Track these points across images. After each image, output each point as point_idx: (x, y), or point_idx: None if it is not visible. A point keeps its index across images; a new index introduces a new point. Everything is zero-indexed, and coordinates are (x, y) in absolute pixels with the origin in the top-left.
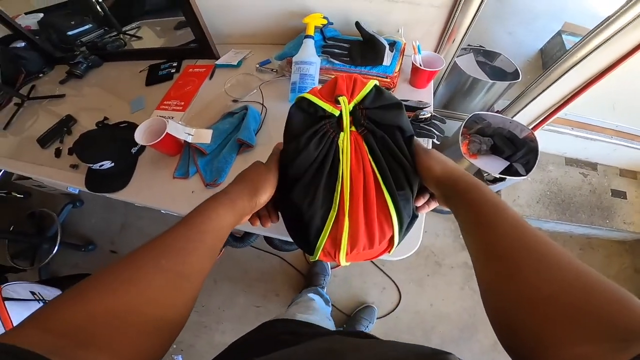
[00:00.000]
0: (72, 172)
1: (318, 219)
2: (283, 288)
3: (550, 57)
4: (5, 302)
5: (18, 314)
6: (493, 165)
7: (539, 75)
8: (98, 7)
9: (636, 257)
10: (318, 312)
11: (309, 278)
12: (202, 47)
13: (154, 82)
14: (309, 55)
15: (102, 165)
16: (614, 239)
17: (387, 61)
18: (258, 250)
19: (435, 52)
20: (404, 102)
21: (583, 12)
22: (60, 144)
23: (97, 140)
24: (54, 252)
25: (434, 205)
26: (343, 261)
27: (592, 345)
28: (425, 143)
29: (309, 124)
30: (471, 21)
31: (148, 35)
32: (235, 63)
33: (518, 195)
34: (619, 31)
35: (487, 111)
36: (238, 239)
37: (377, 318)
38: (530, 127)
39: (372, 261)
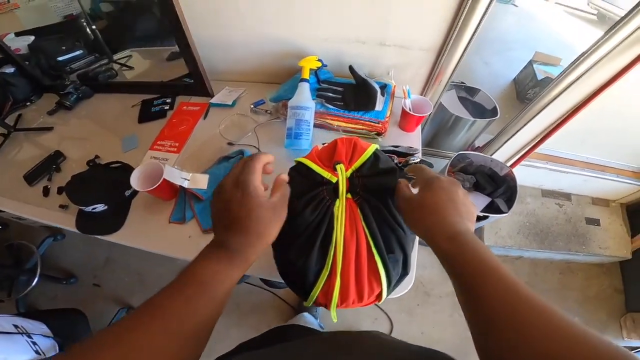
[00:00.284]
0: (61, 213)
1: (312, 275)
2: (274, 321)
3: (523, 87)
4: None
5: (2, 345)
6: (476, 202)
7: (516, 115)
8: (89, 30)
9: (614, 278)
10: (315, 327)
11: (300, 311)
12: (196, 83)
13: (147, 119)
14: (304, 99)
15: (95, 208)
16: (591, 263)
17: (379, 106)
18: (250, 285)
19: (423, 92)
20: (394, 148)
21: (552, 39)
22: (49, 182)
23: (89, 182)
24: (33, 284)
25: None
26: (334, 314)
27: None
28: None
29: (306, 189)
30: (457, 63)
31: (140, 65)
32: (230, 102)
33: (500, 228)
34: (591, 67)
35: (469, 147)
36: None
37: None
38: (509, 165)
39: None
